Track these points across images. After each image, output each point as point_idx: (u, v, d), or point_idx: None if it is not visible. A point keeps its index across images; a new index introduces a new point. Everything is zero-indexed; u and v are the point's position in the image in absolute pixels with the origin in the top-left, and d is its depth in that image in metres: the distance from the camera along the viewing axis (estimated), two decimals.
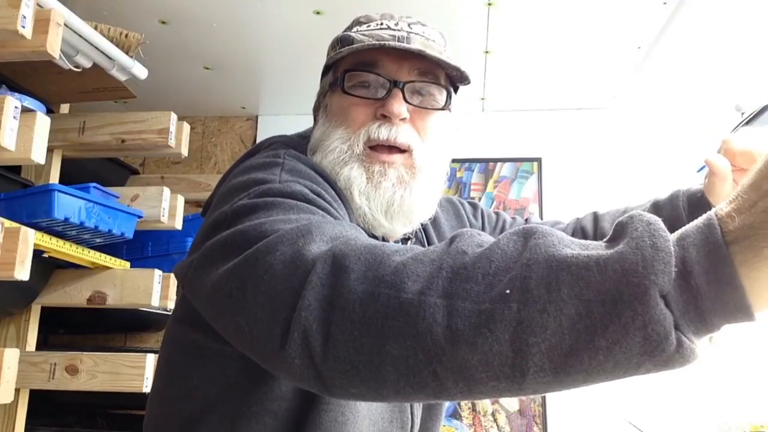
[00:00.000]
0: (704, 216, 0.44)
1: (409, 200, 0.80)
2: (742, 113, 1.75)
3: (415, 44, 0.80)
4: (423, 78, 0.82)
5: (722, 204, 0.44)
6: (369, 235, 0.79)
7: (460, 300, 0.47)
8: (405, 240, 0.88)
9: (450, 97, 0.85)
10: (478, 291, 0.47)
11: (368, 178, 0.79)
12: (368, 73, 0.81)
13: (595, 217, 1.02)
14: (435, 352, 0.47)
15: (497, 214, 1.07)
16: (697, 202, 0.89)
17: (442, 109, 0.84)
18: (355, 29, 0.86)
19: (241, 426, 0.71)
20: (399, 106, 0.79)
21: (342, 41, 0.83)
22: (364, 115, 0.81)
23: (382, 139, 0.79)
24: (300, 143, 0.86)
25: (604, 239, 0.48)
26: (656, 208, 0.94)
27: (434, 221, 0.96)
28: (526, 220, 1.07)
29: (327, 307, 0.51)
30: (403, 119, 0.80)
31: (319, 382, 0.52)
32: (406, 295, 0.48)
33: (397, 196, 0.80)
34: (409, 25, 0.84)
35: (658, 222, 0.45)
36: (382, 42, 0.79)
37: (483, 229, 1.02)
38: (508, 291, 0.45)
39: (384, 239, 0.83)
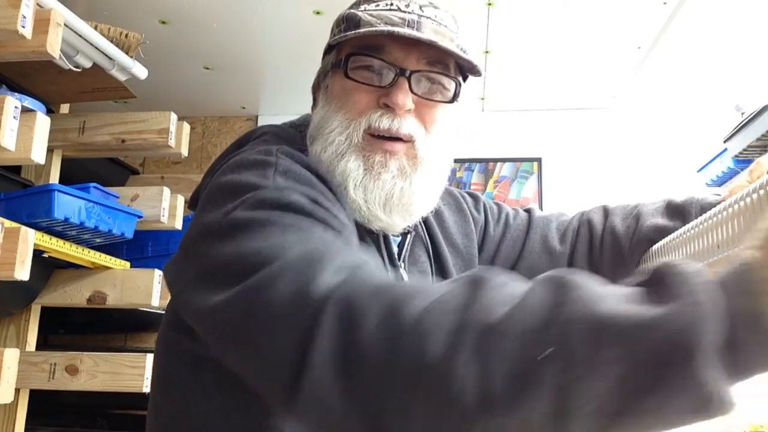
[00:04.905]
0: (739, 262, 0.43)
1: (410, 193, 0.76)
2: (742, 113, 1.74)
3: (426, 30, 0.75)
4: (432, 68, 0.77)
5: (753, 247, 0.43)
6: (365, 230, 0.76)
7: (494, 361, 0.44)
8: (404, 234, 0.84)
9: (459, 88, 0.80)
10: (512, 350, 0.43)
11: (366, 169, 0.75)
12: (373, 58, 0.76)
13: (605, 212, 0.98)
14: (469, 418, 0.44)
15: (499, 206, 1.02)
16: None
17: (450, 101, 0.79)
18: (362, 7, 0.79)
19: None
20: (404, 98, 0.74)
21: (347, 20, 0.78)
22: (366, 101, 0.76)
23: (383, 129, 0.75)
24: (293, 135, 0.82)
25: (640, 282, 0.46)
26: (671, 213, 0.91)
27: (437, 214, 0.91)
28: (527, 210, 1.02)
29: (343, 357, 0.48)
30: (408, 110, 0.75)
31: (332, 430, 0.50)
32: (433, 352, 0.45)
33: (396, 188, 0.75)
34: (420, 7, 0.78)
35: (703, 275, 0.43)
36: (391, 29, 0.73)
37: (486, 222, 0.98)
38: (548, 351, 0.43)
39: (384, 234, 0.80)
